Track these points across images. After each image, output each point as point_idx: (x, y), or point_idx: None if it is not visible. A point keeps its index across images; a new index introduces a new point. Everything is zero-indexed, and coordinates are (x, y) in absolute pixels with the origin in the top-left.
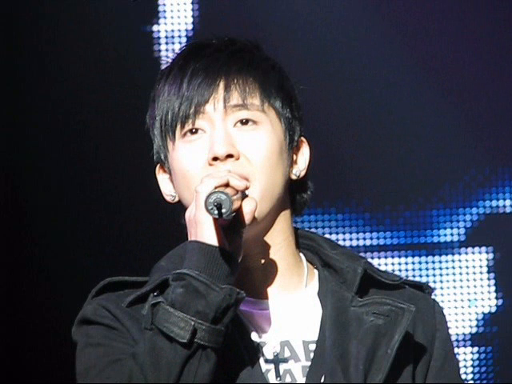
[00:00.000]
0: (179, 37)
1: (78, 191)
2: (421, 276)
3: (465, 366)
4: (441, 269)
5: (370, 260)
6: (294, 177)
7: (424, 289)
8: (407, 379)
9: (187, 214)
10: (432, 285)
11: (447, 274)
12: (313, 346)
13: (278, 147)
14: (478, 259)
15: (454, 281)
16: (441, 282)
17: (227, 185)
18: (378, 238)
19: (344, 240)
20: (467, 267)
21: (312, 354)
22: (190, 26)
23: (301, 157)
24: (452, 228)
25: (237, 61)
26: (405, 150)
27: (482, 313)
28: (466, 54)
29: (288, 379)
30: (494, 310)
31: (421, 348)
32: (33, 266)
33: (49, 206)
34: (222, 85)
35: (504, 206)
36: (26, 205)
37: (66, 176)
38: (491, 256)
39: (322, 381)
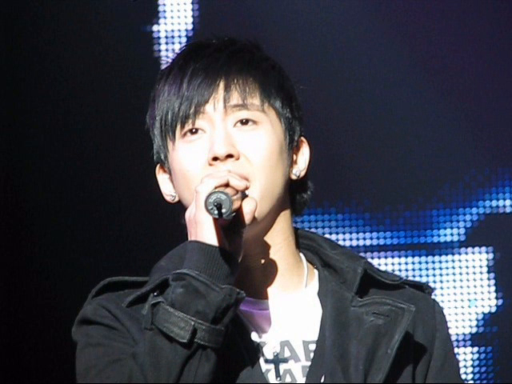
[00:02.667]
0: (179, 37)
1: (78, 191)
2: (421, 276)
3: (465, 366)
4: (441, 269)
5: (369, 260)
6: (294, 177)
7: (424, 289)
8: (407, 379)
9: (187, 214)
10: (432, 285)
11: (447, 274)
12: (313, 346)
13: (277, 147)
14: (478, 259)
15: (454, 281)
16: (441, 282)
17: (227, 185)
18: (378, 238)
19: (344, 240)
20: (467, 267)
21: (312, 354)
22: (190, 26)
23: (301, 157)
24: (452, 228)
25: (237, 61)
26: (405, 150)
27: (482, 313)
28: (466, 54)
29: (288, 379)
30: (494, 310)
31: (421, 348)
32: (33, 266)
33: (49, 205)
34: (221, 85)
35: (504, 206)
36: (26, 205)
37: (66, 176)
38: (491, 256)
39: (322, 381)
